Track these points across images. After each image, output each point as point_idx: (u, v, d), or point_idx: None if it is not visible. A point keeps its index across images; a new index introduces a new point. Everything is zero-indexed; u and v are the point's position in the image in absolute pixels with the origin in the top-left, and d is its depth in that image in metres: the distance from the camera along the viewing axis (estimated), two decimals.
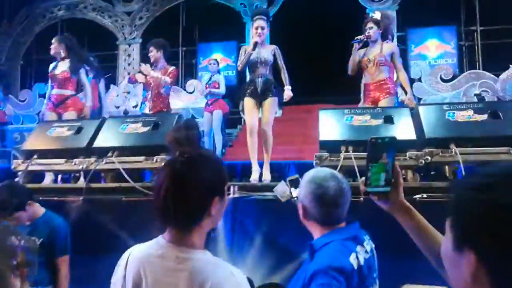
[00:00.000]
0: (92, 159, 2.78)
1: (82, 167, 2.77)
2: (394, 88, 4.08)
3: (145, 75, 4.16)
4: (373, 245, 1.49)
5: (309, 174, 1.49)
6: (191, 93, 7.68)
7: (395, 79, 4.20)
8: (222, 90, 5.92)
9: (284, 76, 3.85)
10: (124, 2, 9.40)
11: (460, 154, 2.36)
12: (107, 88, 7.58)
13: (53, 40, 4.41)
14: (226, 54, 8.93)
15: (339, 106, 4.29)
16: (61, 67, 4.29)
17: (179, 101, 7.86)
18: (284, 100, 3.79)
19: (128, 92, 7.70)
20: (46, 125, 3.21)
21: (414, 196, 2.23)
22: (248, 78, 3.88)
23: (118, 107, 7.65)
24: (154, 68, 4.16)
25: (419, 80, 7.42)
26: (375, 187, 1.00)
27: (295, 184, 2.08)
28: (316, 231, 1.45)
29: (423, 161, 2.42)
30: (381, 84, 3.93)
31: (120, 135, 2.86)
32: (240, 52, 3.84)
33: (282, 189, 2.27)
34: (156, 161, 2.65)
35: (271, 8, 8.53)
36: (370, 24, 4.01)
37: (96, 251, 2.52)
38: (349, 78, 4.43)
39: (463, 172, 2.33)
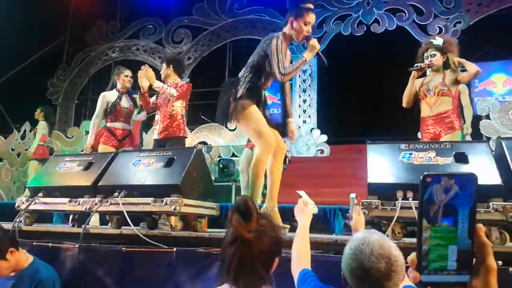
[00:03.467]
0: (97, 199, 2.40)
1: (86, 208, 2.40)
2: (459, 123, 3.40)
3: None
4: None
5: (353, 243, 1.19)
6: (232, 130, 7.39)
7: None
8: None
9: None
10: (174, 44, 9.58)
11: None
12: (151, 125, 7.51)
13: (130, 74, 4.05)
14: (271, 91, 8.62)
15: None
16: (126, 101, 4.03)
17: (220, 139, 7.59)
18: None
19: None
20: (57, 159, 2.93)
21: (504, 266, 1.56)
22: (252, 83, 2.62)
23: None
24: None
25: (487, 117, 6.56)
26: (438, 274, 0.53)
27: None
28: None
29: None
30: (442, 117, 3.27)
31: (130, 172, 2.48)
32: (276, 49, 2.49)
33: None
34: (166, 203, 2.21)
35: (319, 44, 8.19)
36: (432, 51, 3.42)
37: None
38: (404, 115, 3.83)
39: None
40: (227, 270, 1.21)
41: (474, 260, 0.53)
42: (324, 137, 7.52)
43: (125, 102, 4.02)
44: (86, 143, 4.03)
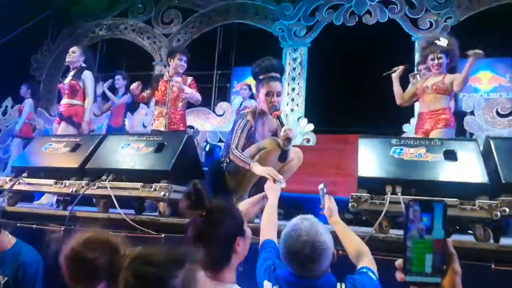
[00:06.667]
0: (84, 182, 2.36)
1: (72, 191, 2.36)
2: (453, 121, 3.46)
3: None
4: None
5: (286, 229, 1.36)
6: (220, 115, 7.34)
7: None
8: None
9: None
10: (163, 24, 9.37)
11: None
12: (137, 107, 7.39)
13: (74, 49, 4.09)
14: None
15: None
16: (68, 78, 3.96)
17: (207, 124, 7.53)
18: None
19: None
20: (43, 139, 2.86)
21: (487, 264, 1.60)
22: None
23: (146, 127, 7.40)
24: (171, 79, 3.78)
25: (472, 113, 6.68)
26: (418, 275, 0.69)
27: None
28: None
29: (499, 214, 1.80)
30: (437, 113, 3.36)
31: (118, 156, 2.44)
32: (238, 127, 2.48)
33: None
34: (155, 189, 2.19)
35: (310, 34, 8.14)
36: (439, 54, 3.43)
37: None
38: (390, 107, 3.90)
39: None
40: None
41: (444, 266, 0.68)
42: (311, 126, 7.54)
43: (67, 79, 4.00)
44: None
